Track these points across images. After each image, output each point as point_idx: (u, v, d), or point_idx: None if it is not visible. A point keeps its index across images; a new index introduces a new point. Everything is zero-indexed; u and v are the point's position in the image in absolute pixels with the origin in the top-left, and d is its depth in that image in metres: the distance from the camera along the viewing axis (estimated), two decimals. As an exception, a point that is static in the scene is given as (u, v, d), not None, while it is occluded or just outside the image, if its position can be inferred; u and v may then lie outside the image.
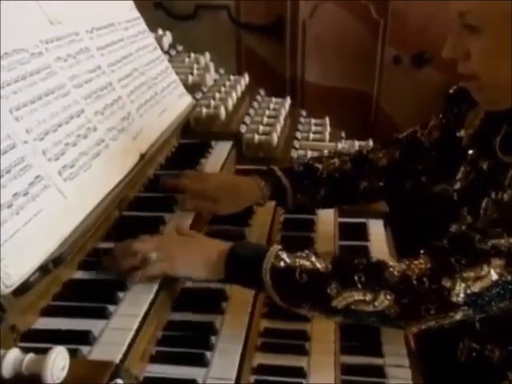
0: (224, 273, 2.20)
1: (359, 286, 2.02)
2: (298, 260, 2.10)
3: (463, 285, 1.82)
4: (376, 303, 1.99)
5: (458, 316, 1.94)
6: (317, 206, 3.16)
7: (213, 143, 3.54)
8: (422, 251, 2.09)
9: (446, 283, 1.89)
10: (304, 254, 2.13)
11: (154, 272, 2.22)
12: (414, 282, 1.97)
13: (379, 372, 2.49)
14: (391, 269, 2.03)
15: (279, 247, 2.20)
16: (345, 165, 2.90)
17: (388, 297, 1.99)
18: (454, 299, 1.86)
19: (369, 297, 1.99)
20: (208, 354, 2.14)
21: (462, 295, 1.84)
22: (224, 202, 2.71)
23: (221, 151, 3.48)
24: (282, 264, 2.10)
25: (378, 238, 3.57)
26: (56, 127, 2.42)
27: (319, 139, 4.36)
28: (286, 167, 3.00)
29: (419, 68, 7.05)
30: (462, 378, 2.53)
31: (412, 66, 7.10)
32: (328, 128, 4.51)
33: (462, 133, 2.51)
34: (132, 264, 2.22)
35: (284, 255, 2.13)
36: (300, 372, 2.34)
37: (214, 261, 2.19)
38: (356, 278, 2.02)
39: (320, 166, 2.91)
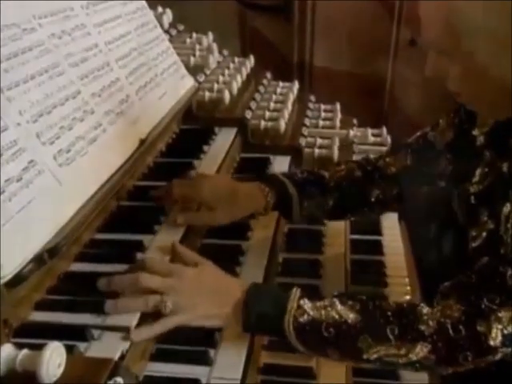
0: (242, 328, 2.14)
1: (392, 339, 1.99)
2: (322, 312, 2.05)
3: (499, 326, 1.85)
4: (411, 355, 1.99)
5: (497, 357, 1.95)
6: (325, 217, 3.08)
7: (216, 129, 3.53)
8: (449, 289, 2.09)
9: (481, 328, 1.89)
10: (328, 303, 2.08)
11: (170, 326, 2.11)
12: (451, 331, 1.95)
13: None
14: (425, 317, 2.01)
15: (299, 294, 2.12)
16: (353, 172, 2.85)
17: (424, 349, 1.99)
18: (492, 343, 1.88)
19: (403, 350, 1.98)
20: (212, 351, 2.13)
21: (499, 338, 1.87)
22: (221, 210, 2.59)
23: (225, 138, 3.47)
24: (305, 317, 2.05)
25: (392, 233, 3.57)
26: (50, 109, 2.41)
27: (329, 126, 4.35)
28: (289, 173, 2.95)
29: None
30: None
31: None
32: (339, 114, 4.49)
33: (476, 131, 2.49)
34: (141, 310, 2.08)
35: (306, 306, 2.07)
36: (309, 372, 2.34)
37: (231, 315, 2.13)
38: (388, 330, 1.99)
39: (326, 174, 2.86)
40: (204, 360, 2.09)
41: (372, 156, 3.10)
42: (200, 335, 2.21)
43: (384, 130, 4.34)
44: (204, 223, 2.71)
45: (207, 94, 3.98)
